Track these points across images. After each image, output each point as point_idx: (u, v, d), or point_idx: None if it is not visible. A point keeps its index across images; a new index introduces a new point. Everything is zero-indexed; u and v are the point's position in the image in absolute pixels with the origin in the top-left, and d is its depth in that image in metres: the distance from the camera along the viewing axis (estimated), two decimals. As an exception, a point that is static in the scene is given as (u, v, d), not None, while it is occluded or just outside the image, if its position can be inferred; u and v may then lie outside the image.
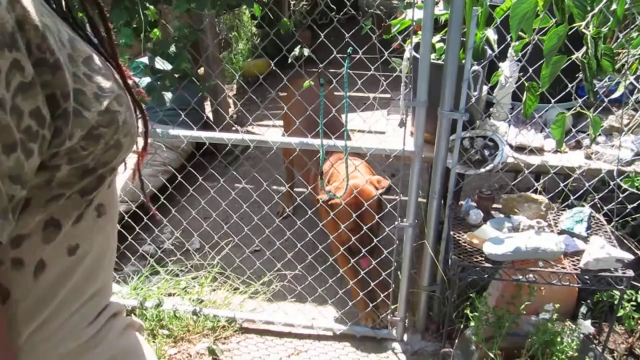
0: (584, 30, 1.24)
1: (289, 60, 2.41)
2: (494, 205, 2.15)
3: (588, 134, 2.24)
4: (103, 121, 0.72)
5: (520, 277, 1.85)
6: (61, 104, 0.67)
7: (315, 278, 2.62)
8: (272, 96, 2.87)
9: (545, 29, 1.60)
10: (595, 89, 1.58)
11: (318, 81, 2.08)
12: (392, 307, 2.45)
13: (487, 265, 1.84)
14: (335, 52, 2.16)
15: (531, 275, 1.84)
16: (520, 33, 1.51)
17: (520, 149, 2.23)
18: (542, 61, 1.75)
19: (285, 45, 2.25)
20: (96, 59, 0.75)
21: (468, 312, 1.99)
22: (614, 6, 1.27)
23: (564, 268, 1.84)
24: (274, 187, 3.32)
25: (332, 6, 2.10)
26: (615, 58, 1.65)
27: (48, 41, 0.65)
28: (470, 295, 2.02)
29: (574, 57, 1.49)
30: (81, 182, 0.75)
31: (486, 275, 1.86)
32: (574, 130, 2.24)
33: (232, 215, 2.73)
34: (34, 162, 0.65)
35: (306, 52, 2.34)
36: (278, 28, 2.29)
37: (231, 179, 3.14)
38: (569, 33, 1.37)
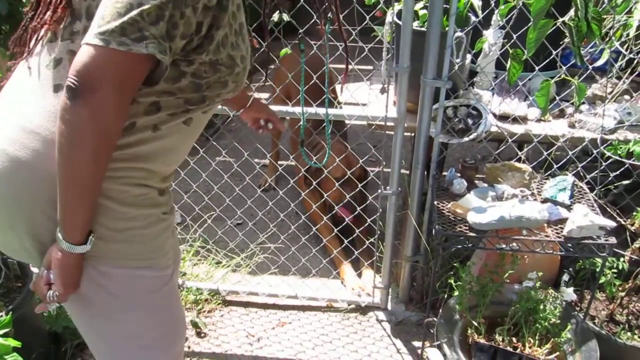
0: (572, -8, 1.21)
1: (268, 27, 2.33)
2: (478, 175, 2.14)
3: (572, 103, 2.23)
4: (226, 62, 1.05)
5: (504, 245, 1.85)
6: (213, 31, 1.00)
7: (298, 249, 2.61)
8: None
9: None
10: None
11: (298, 48, 2.03)
12: (375, 275, 2.45)
13: (471, 234, 1.83)
14: (315, 17, 2.09)
15: (515, 244, 1.84)
16: (506, -3, 1.48)
17: (503, 117, 2.21)
18: (526, 27, 1.72)
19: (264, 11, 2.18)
20: (244, 27, 1.10)
21: (452, 281, 1.99)
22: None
23: (547, 236, 1.83)
24: (256, 159, 3.27)
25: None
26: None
27: None
28: (454, 265, 2.02)
29: (560, 20, 1.46)
30: (190, 94, 1.06)
31: (470, 245, 1.85)
32: (557, 98, 2.22)
33: (214, 187, 2.69)
34: (180, 45, 0.98)
35: (285, 17, 2.27)
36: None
37: (212, 151, 3.08)
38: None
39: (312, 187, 2.51)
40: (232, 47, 1.05)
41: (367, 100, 2.57)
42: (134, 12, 0.88)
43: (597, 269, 2.13)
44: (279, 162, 3.36)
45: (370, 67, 2.88)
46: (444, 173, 2.24)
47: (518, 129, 2.15)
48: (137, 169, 1.08)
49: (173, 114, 1.08)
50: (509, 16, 1.73)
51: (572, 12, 1.32)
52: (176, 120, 1.09)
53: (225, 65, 1.05)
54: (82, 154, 0.94)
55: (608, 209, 2.14)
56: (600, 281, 2.07)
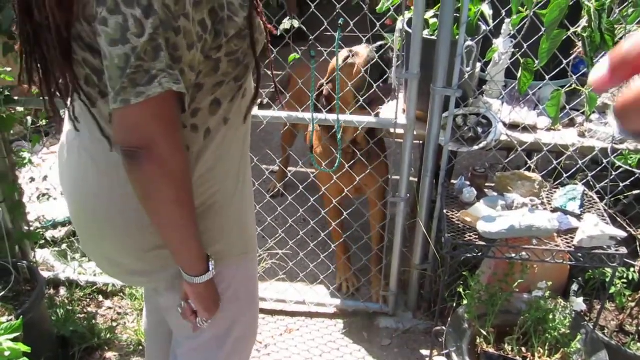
0: (586, 3, 1.21)
1: (278, 33, 2.34)
2: (487, 183, 2.14)
3: (582, 112, 2.22)
4: (247, 24, 1.04)
5: (514, 255, 1.84)
6: (219, 14, 0.98)
7: (307, 255, 2.61)
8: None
9: (543, 2, 1.57)
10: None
11: (309, 54, 2.04)
12: (384, 282, 2.44)
13: (480, 243, 1.83)
14: (325, 24, 2.11)
15: (524, 253, 1.84)
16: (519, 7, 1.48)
17: (513, 126, 2.20)
18: (537, 37, 1.72)
19: (274, 17, 2.20)
20: None
21: (461, 290, 1.98)
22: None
23: (557, 246, 1.83)
24: (264, 165, 3.28)
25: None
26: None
27: None
28: (463, 273, 2.01)
29: (572, 30, 1.46)
30: (235, 71, 1.08)
31: (479, 254, 1.85)
32: (567, 107, 2.22)
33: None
34: (198, 56, 0.97)
35: (296, 24, 2.28)
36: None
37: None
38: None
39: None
40: (242, 8, 1.03)
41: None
42: (132, 60, 0.88)
43: (607, 279, 2.12)
44: (289, 169, 3.36)
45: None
46: (453, 181, 2.23)
47: (528, 138, 2.14)
48: (224, 170, 1.16)
49: (232, 98, 1.11)
50: (521, 25, 1.73)
51: (584, 22, 1.32)
52: (237, 101, 1.13)
53: (247, 27, 1.05)
54: (167, 204, 0.99)
55: (618, 218, 2.13)
56: (610, 291, 2.06)
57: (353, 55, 2.20)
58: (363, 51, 2.20)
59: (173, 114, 0.95)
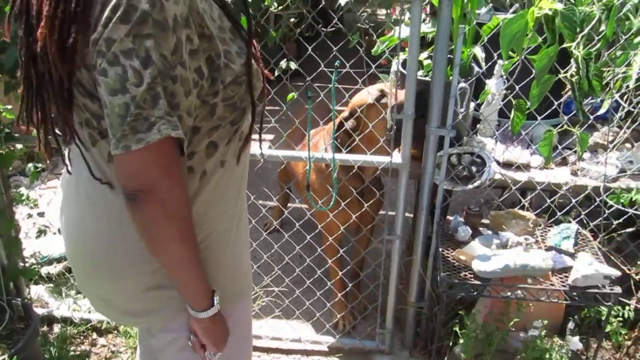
0: (574, 51, 1.25)
1: (276, 73, 2.39)
2: (482, 221, 2.16)
3: (574, 151, 2.26)
4: (244, 71, 1.07)
5: (509, 293, 1.85)
6: (215, 62, 1.02)
7: (303, 292, 2.60)
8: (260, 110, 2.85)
9: (532, 47, 1.61)
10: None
11: (305, 94, 2.09)
12: (380, 320, 2.43)
13: (475, 282, 1.84)
14: (322, 65, 2.15)
15: (520, 292, 1.84)
16: (510, 52, 1.52)
17: (507, 165, 2.24)
18: (529, 78, 1.76)
19: (272, 58, 2.25)
20: (234, 29, 1.08)
21: (457, 329, 1.98)
22: (602, 27, 1.28)
23: (552, 285, 1.84)
24: (260, 201, 3.29)
25: (318, 19, 2.10)
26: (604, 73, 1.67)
27: (205, 20, 0.99)
28: (459, 312, 2.02)
29: (561, 75, 1.50)
30: (231, 115, 1.10)
31: (475, 293, 1.85)
32: (559, 147, 2.26)
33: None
34: (195, 101, 1.00)
35: (293, 65, 2.33)
36: (265, 41, 2.28)
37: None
38: (556, 52, 1.38)
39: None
40: (239, 55, 1.06)
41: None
42: (132, 108, 0.91)
43: (603, 317, 2.12)
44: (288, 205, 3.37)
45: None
46: (449, 218, 2.25)
47: (521, 177, 2.17)
48: (220, 211, 1.18)
49: (229, 140, 1.13)
50: (512, 68, 1.78)
51: (573, 68, 1.36)
52: (233, 143, 1.15)
53: (244, 74, 1.07)
54: (170, 243, 1.01)
55: (612, 256, 2.14)
56: (606, 330, 2.06)
57: (383, 96, 2.22)
58: (388, 91, 2.21)
59: (172, 158, 0.98)
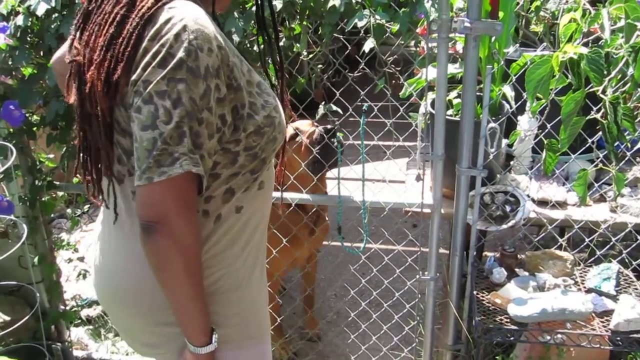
0: (601, 95, 1.23)
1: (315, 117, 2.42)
2: (518, 261, 2.10)
3: (612, 187, 2.19)
4: (266, 123, 1.13)
5: (548, 338, 1.79)
6: (240, 111, 1.09)
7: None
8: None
9: (561, 86, 1.59)
10: (616, 145, 1.55)
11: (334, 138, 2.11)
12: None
13: (512, 327, 1.79)
14: (350, 109, 2.17)
15: (559, 336, 1.78)
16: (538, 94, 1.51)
17: (542, 202, 2.19)
18: (559, 117, 1.74)
19: (300, 104, 2.28)
20: (263, 83, 1.17)
21: (495, 374, 1.92)
22: (630, 70, 1.25)
23: (593, 329, 1.77)
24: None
25: (345, 65, 2.13)
26: (635, 112, 1.63)
27: (234, 73, 1.07)
28: (496, 357, 1.96)
29: (591, 116, 1.47)
30: (251, 164, 1.16)
31: (511, 337, 1.80)
32: (596, 184, 2.20)
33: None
34: (215, 145, 1.07)
35: (322, 109, 2.36)
36: (293, 87, 2.31)
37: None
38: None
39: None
40: (263, 108, 1.13)
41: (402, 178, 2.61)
42: (159, 143, 0.99)
43: (650, 362, 2.02)
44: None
45: (407, 143, 2.91)
46: (485, 254, 2.20)
47: (558, 215, 2.12)
48: (234, 254, 1.21)
49: (247, 188, 1.19)
50: (541, 108, 1.75)
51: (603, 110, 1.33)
52: (251, 191, 1.20)
53: (267, 125, 1.14)
54: (177, 276, 1.06)
55: (657, 297, 2.05)
56: (654, 375, 1.97)
57: (298, 134, 2.33)
58: (306, 128, 2.34)
59: (190, 194, 1.04)
